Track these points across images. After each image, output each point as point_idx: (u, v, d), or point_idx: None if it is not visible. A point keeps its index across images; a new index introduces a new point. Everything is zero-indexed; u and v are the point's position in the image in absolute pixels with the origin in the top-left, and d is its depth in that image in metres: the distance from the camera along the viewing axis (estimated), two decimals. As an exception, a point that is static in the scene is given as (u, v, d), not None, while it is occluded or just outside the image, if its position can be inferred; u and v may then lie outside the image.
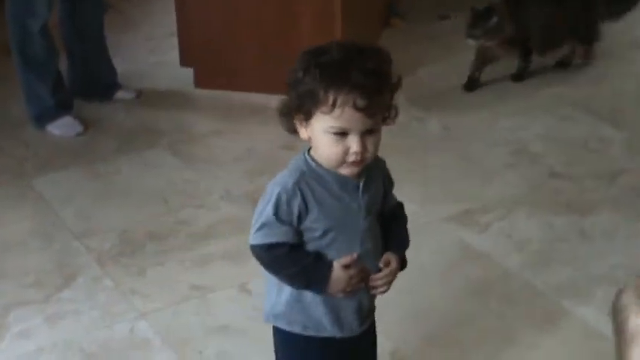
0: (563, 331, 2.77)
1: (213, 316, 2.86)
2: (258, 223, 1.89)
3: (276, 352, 2.12)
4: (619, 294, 1.25)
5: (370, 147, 1.82)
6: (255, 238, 1.90)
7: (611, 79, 4.52)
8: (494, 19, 4.21)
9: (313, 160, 1.87)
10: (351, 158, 1.81)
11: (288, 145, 3.64)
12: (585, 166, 3.71)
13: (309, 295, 1.95)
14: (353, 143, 1.80)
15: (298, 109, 1.82)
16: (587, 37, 4.60)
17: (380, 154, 1.90)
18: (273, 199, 1.86)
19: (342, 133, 1.79)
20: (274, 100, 3.28)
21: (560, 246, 3.19)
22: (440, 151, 3.85)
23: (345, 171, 1.85)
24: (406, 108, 3.79)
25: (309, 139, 1.86)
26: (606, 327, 2.70)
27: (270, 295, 2.02)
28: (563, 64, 4.65)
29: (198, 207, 3.45)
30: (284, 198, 1.86)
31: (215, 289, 2.98)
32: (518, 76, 4.53)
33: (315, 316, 1.97)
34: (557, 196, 3.50)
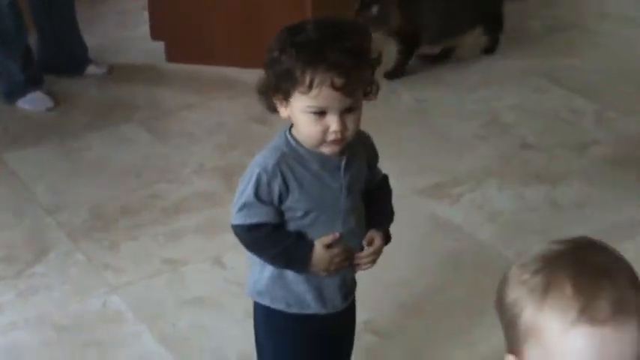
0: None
1: (187, 289, 2.86)
2: (238, 203, 1.89)
3: (257, 328, 2.11)
4: (503, 287, 1.20)
5: (350, 125, 1.81)
6: (237, 219, 1.90)
7: (582, 51, 4.54)
8: (375, 9, 3.99)
9: (294, 139, 1.86)
10: (331, 137, 1.80)
11: (260, 119, 3.65)
12: (556, 137, 3.73)
13: (291, 273, 1.95)
14: (332, 122, 1.78)
15: (276, 89, 1.81)
16: (492, 25, 4.46)
17: (353, 127, 1.90)
18: (253, 180, 1.86)
19: (321, 113, 1.78)
20: (246, 74, 3.34)
21: (531, 216, 3.21)
22: (412, 124, 3.86)
23: (325, 150, 1.84)
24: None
25: (289, 117, 1.85)
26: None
27: (253, 272, 2.02)
28: (447, 55, 4.44)
29: (170, 181, 3.45)
30: (264, 179, 1.85)
31: (188, 263, 2.98)
32: (392, 74, 4.22)
33: (298, 293, 1.96)
34: (528, 167, 3.53)
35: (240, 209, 1.89)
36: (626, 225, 3.13)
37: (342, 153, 1.86)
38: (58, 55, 4.19)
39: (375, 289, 2.78)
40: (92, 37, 4.44)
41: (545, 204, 3.28)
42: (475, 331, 2.62)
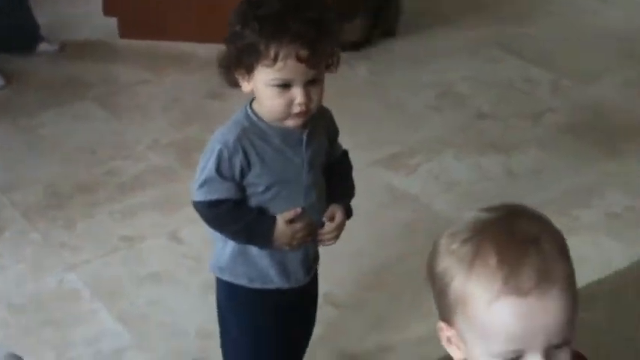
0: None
1: (144, 265, 2.85)
2: (199, 180, 1.88)
3: (219, 304, 2.11)
4: (434, 257, 1.20)
5: (314, 97, 1.80)
6: (198, 195, 1.89)
7: (536, 20, 4.55)
8: None
9: (255, 113, 1.85)
10: (296, 110, 1.79)
11: (216, 94, 3.63)
12: (511, 107, 3.75)
13: (254, 248, 1.94)
14: (297, 94, 1.77)
15: (239, 63, 1.79)
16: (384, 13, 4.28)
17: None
18: (214, 156, 1.85)
19: (285, 85, 1.77)
20: (201, 49, 3.31)
21: (487, 185, 3.23)
22: (367, 97, 3.86)
23: (289, 123, 1.82)
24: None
25: (252, 91, 1.83)
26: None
27: (215, 248, 2.01)
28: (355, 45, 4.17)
29: (126, 158, 3.42)
30: (225, 154, 1.84)
31: (145, 239, 2.96)
32: (358, 45, 4.10)
33: (261, 268, 1.96)
34: (484, 136, 3.54)
35: (201, 186, 1.88)
36: (581, 192, 3.16)
37: (304, 126, 1.86)
38: (8, 33, 4.12)
39: (333, 262, 2.77)
40: (43, 15, 4.37)
41: (502, 173, 3.30)
42: (431, 302, 2.63)
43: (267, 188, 1.88)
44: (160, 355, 2.53)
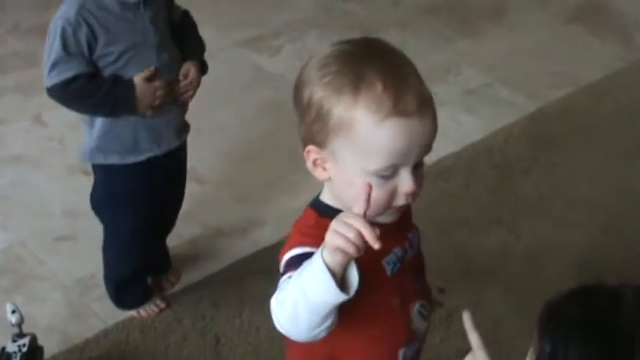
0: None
1: (7, 147, 2.83)
2: (48, 64, 1.88)
3: (95, 190, 2.15)
4: (303, 87, 1.27)
5: None
6: (51, 79, 1.90)
7: None
8: None
9: None
10: None
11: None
12: (375, -11, 3.80)
13: (121, 121, 1.97)
14: None
15: None
16: None
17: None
18: (58, 35, 1.85)
19: None
20: None
21: (349, 64, 3.29)
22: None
23: None
24: None
25: None
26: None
27: (84, 136, 2.03)
28: None
29: (-15, 42, 3.35)
30: (69, 31, 1.85)
31: (8, 122, 2.94)
32: None
33: (132, 138, 2.00)
34: (348, 17, 3.59)
35: (52, 68, 1.88)
36: (439, 69, 3.26)
37: None
38: None
39: (196, 139, 2.80)
40: None
41: (364, 51, 3.36)
42: (297, 175, 2.71)
43: (119, 56, 1.91)
44: (25, 234, 2.54)
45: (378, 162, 1.21)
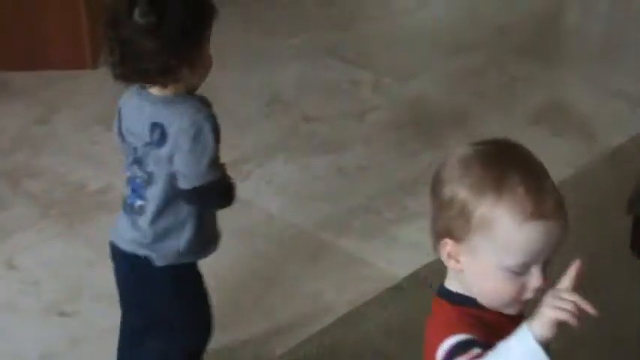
0: (326, 262, 2.92)
1: (-21, 295, 2.81)
2: (205, 162, 1.92)
3: (163, 295, 2.12)
4: (441, 187, 1.40)
5: None
6: (211, 176, 1.94)
7: (356, 25, 4.67)
8: None
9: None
10: None
11: (41, 119, 3.56)
12: (337, 108, 3.85)
13: (207, 220, 2.07)
14: None
15: None
16: None
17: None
18: (209, 132, 1.92)
19: None
20: (18, 77, 3.19)
21: (318, 184, 3.32)
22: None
23: None
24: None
25: None
26: (367, 253, 2.87)
27: (170, 241, 2.03)
28: None
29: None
30: (218, 122, 1.94)
31: (-21, 269, 2.92)
32: None
33: (211, 235, 2.12)
34: (313, 138, 3.64)
35: (210, 166, 1.92)
36: (407, 182, 3.29)
37: None
38: None
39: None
40: None
41: (332, 171, 3.40)
42: (272, 301, 2.74)
43: None
44: (3, 383, 2.50)
45: (514, 259, 1.34)
